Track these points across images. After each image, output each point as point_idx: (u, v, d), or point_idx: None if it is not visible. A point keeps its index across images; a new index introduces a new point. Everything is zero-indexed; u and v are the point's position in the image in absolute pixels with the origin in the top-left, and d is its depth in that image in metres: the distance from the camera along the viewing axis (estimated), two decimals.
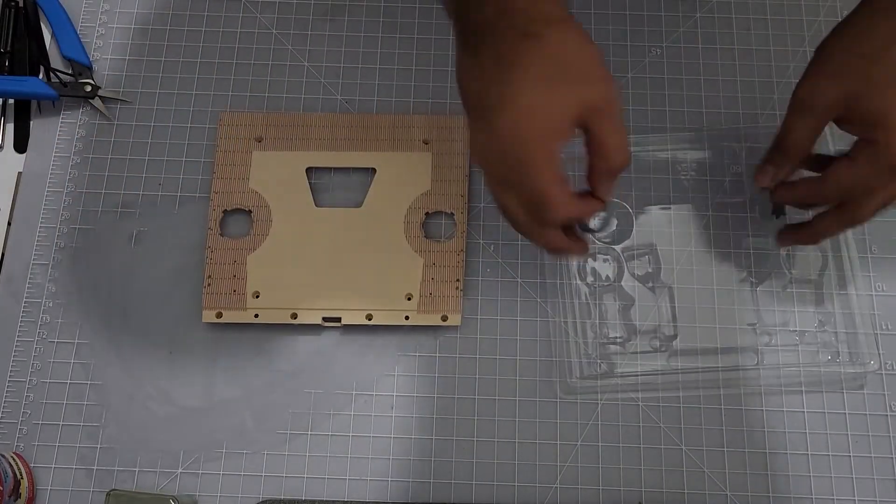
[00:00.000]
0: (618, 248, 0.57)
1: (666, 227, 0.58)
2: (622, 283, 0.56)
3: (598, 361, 0.54)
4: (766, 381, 0.55)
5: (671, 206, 0.58)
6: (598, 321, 0.56)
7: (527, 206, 0.44)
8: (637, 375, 0.54)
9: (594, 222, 0.57)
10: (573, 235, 0.48)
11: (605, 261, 0.57)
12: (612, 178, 0.45)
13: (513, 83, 0.41)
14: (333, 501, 0.53)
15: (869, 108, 0.45)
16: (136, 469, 0.54)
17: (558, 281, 0.56)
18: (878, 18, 0.45)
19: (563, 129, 0.42)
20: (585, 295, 0.56)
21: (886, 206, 0.47)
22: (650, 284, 0.56)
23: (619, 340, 0.55)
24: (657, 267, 0.57)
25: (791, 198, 0.52)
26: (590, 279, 0.57)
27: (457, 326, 0.56)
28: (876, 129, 0.45)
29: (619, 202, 0.58)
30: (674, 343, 0.55)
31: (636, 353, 0.55)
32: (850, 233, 0.56)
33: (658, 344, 0.55)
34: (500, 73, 0.42)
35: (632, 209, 0.58)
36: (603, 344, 0.55)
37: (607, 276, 0.57)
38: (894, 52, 0.44)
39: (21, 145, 0.61)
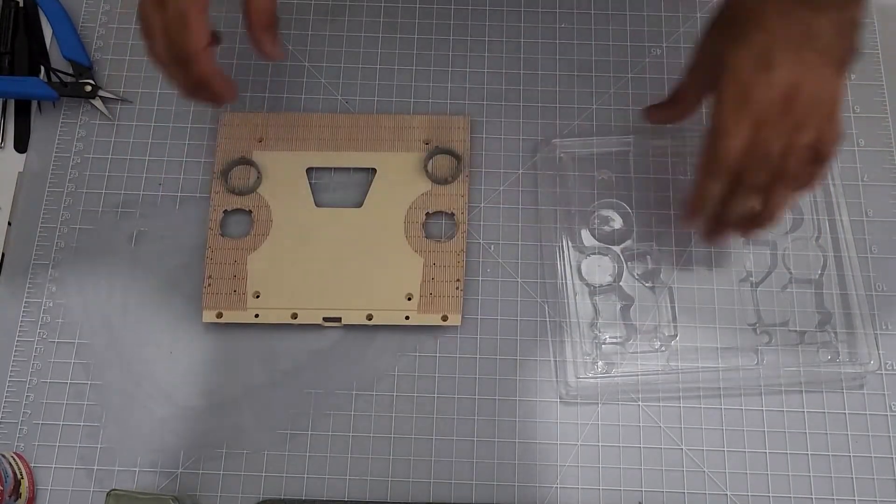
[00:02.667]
0: (618, 248, 0.57)
1: (666, 226, 0.58)
2: (622, 284, 0.56)
3: (598, 361, 0.54)
4: (767, 380, 0.55)
5: (671, 206, 0.58)
6: (597, 321, 0.56)
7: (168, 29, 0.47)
8: (637, 375, 0.54)
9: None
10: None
11: (603, 261, 0.57)
12: (270, 31, 0.48)
13: None
14: (333, 501, 0.53)
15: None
16: (136, 469, 0.54)
17: (558, 281, 0.56)
18: None
19: None
20: (586, 294, 0.56)
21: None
22: (650, 284, 0.56)
23: (618, 340, 0.55)
24: (657, 267, 0.57)
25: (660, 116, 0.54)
26: (589, 279, 0.56)
27: (457, 326, 0.56)
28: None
29: (619, 202, 0.58)
30: (673, 343, 0.55)
31: (636, 353, 0.55)
32: (850, 231, 0.57)
33: (658, 344, 0.55)
34: None
35: (632, 210, 0.58)
36: (602, 344, 0.55)
37: (608, 276, 0.57)
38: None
39: (21, 145, 0.61)
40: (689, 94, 0.52)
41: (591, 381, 0.54)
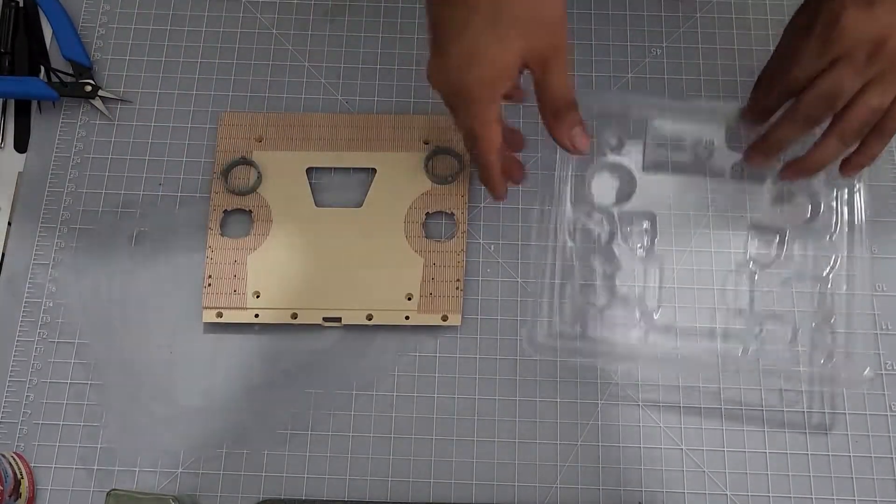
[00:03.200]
0: (615, 209, 0.56)
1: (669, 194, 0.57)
2: (613, 246, 0.55)
3: (576, 324, 0.54)
4: (766, 380, 0.55)
5: (682, 172, 0.57)
6: (578, 283, 0.54)
7: (464, 137, 0.49)
8: (611, 345, 0.54)
9: None
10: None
11: (596, 221, 0.56)
12: (558, 117, 0.48)
13: (469, 16, 0.44)
14: (333, 501, 0.53)
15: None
16: (136, 469, 0.54)
17: (545, 243, 0.55)
18: None
19: (505, 76, 0.45)
20: (571, 252, 0.55)
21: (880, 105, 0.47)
22: (642, 252, 0.56)
23: (597, 304, 0.54)
24: (653, 236, 0.56)
25: (779, 135, 0.53)
26: (577, 239, 0.55)
27: (457, 326, 0.56)
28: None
29: (621, 162, 0.57)
30: (654, 316, 0.54)
31: (615, 324, 0.54)
32: (850, 232, 0.57)
33: (638, 315, 0.55)
34: (454, 9, 0.45)
35: (637, 169, 0.57)
36: (580, 305, 0.54)
37: (598, 236, 0.56)
38: None
39: (21, 145, 0.61)
40: (774, 83, 0.51)
41: (563, 340, 0.53)
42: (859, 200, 0.56)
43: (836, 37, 0.46)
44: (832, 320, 0.55)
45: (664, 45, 0.63)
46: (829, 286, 0.56)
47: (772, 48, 0.62)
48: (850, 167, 0.52)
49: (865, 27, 0.45)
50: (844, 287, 0.56)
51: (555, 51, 0.45)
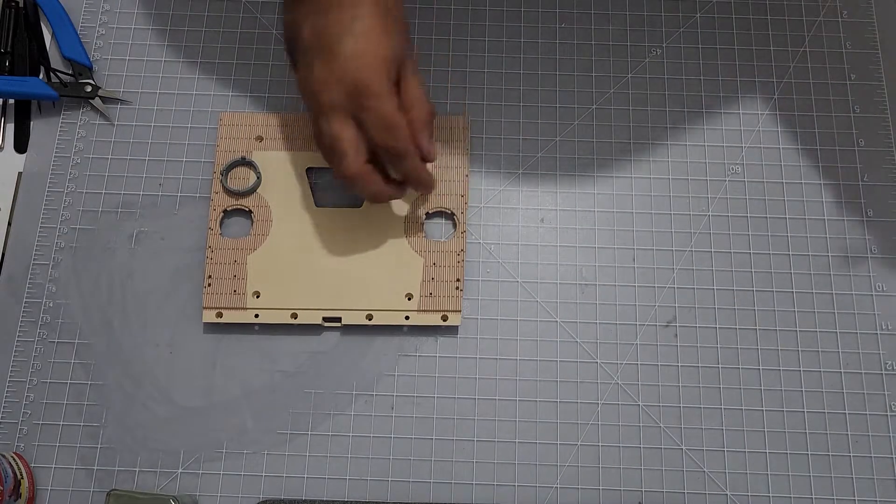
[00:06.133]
0: None
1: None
2: None
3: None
4: (766, 380, 0.55)
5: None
6: None
7: (376, 131, 0.48)
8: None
9: None
10: (393, 182, 0.52)
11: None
12: (420, 127, 0.49)
13: (356, 17, 0.47)
14: (333, 501, 0.53)
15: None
16: (136, 469, 0.54)
17: None
18: None
19: (395, 66, 0.48)
20: None
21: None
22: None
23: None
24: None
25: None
26: None
27: (457, 326, 0.56)
28: None
29: None
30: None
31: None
32: (850, 229, 0.57)
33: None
34: (342, 10, 0.47)
35: None
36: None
37: None
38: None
39: (21, 145, 0.61)
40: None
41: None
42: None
43: None
44: (832, 320, 0.55)
45: (664, 45, 0.63)
46: (824, 287, 0.56)
47: (771, 48, 0.63)
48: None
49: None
50: (839, 286, 0.56)
51: (408, 56, 0.49)
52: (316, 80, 0.48)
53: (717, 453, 0.54)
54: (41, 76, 0.62)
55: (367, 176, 0.50)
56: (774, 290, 0.57)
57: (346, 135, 0.48)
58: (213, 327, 0.56)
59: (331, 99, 0.48)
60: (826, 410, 0.54)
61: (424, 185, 0.53)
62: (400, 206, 0.58)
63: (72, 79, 0.62)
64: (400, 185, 0.52)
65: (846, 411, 0.54)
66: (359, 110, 0.48)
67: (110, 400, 0.55)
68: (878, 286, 0.57)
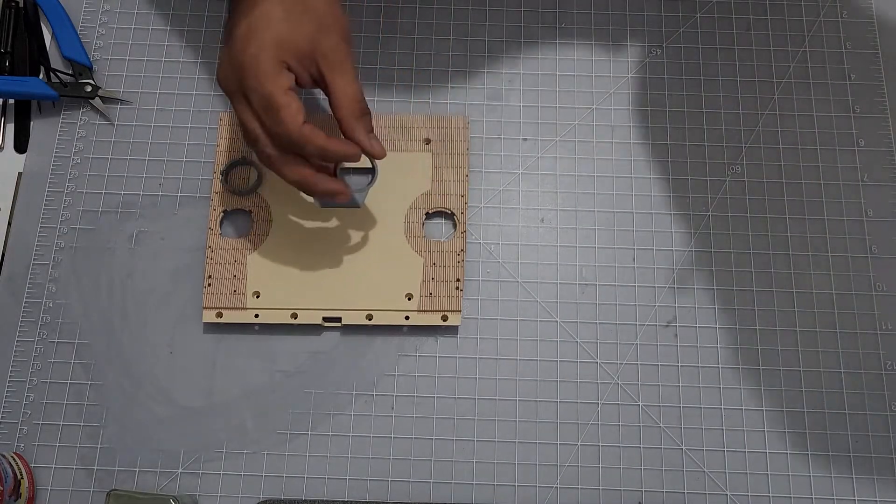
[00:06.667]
0: None
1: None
2: None
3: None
4: (766, 380, 0.55)
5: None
6: None
7: (261, 114, 0.47)
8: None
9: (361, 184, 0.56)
10: (333, 179, 0.50)
11: None
12: (351, 125, 0.48)
13: (258, 3, 0.47)
14: (333, 501, 0.53)
15: None
16: (136, 469, 0.54)
17: None
18: None
19: (291, 50, 0.47)
20: None
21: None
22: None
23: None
24: None
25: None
26: None
27: (457, 326, 0.56)
28: None
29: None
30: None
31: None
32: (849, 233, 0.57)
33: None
34: (248, 4, 0.47)
35: None
36: None
37: None
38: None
39: (21, 145, 0.61)
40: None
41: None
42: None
43: None
44: (832, 320, 0.56)
45: (664, 45, 0.63)
46: (824, 287, 0.56)
47: (771, 48, 0.63)
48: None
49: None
50: (838, 286, 0.56)
51: (336, 52, 0.48)
52: (218, 68, 0.49)
53: (717, 453, 0.54)
54: (41, 76, 0.62)
55: (286, 162, 0.48)
56: (774, 290, 0.57)
57: (246, 117, 0.48)
58: (213, 327, 0.56)
59: (228, 84, 0.48)
60: (826, 410, 0.54)
61: (343, 157, 0.49)
62: (400, 206, 0.58)
63: (72, 79, 0.62)
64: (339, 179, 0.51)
65: (846, 411, 0.54)
66: (246, 91, 0.47)
67: (110, 400, 0.55)
68: (878, 286, 0.57)
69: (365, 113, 0.49)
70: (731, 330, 0.56)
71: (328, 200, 0.51)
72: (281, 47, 0.47)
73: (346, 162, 0.49)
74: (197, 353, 0.56)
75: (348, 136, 0.48)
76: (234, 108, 0.48)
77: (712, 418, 0.54)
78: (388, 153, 0.58)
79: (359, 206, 0.58)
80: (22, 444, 0.54)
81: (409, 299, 0.56)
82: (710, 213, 0.58)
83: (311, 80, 0.49)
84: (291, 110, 0.46)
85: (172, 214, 0.59)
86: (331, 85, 0.48)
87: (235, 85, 0.47)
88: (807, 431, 0.54)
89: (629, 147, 0.60)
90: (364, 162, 0.59)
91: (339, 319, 0.56)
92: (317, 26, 0.47)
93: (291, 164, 0.48)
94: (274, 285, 0.56)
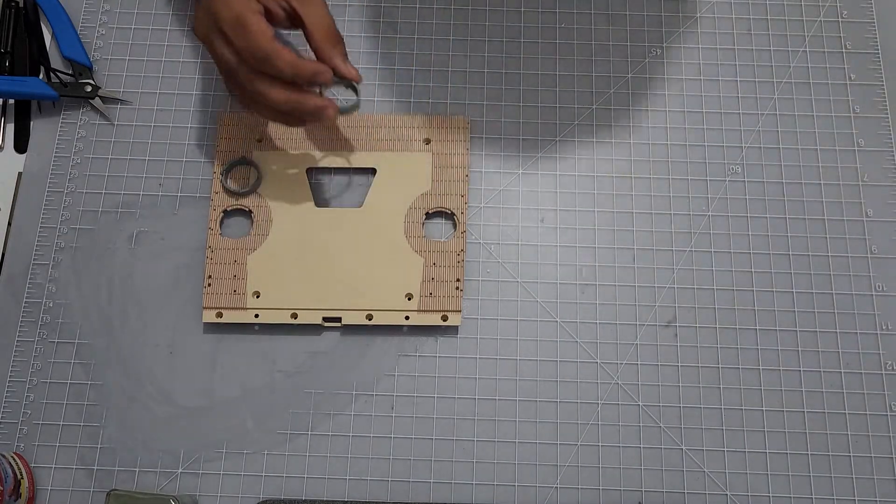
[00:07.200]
0: None
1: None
2: None
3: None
4: (766, 380, 0.55)
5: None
6: None
7: (233, 38, 0.49)
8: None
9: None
10: (320, 96, 0.51)
11: None
12: (327, 51, 0.50)
13: None
14: (333, 501, 0.53)
15: None
16: (136, 469, 0.54)
17: None
18: None
19: None
20: None
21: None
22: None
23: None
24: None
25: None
26: None
27: (457, 327, 0.56)
28: None
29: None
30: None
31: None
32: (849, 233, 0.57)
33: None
34: None
35: None
36: None
37: None
38: None
39: (21, 145, 0.61)
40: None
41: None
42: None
43: None
44: (832, 320, 0.56)
45: (664, 45, 0.63)
46: (823, 287, 0.56)
47: (771, 48, 0.63)
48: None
49: None
50: (837, 286, 0.56)
51: None
52: (195, 20, 0.51)
53: (717, 453, 0.53)
54: (41, 76, 0.62)
55: (270, 86, 0.50)
56: (774, 290, 0.57)
57: (222, 51, 0.49)
58: (213, 327, 0.56)
59: (202, 29, 0.50)
60: (826, 410, 0.54)
61: (318, 77, 0.50)
62: (400, 206, 0.58)
63: (72, 79, 0.62)
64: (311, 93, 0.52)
65: (846, 411, 0.54)
66: (219, 23, 0.49)
67: (110, 400, 0.55)
68: (878, 286, 0.57)
69: (339, 41, 0.51)
70: (731, 330, 0.56)
71: (314, 121, 0.54)
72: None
73: (318, 82, 0.50)
74: (197, 353, 0.56)
75: (324, 62, 0.50)
76: (211, 53, 0.50)
77: (712, 418, 0.54)
78: (388, 153, 0.59)
79: (359, 207, 0.58)
80: (22, 444, 0.54)
81: (409, 299, 0.56)
82: (710, 213, 0.58)
83: (284, 14, 0.50)
84: (262, 26, 0.48)
85: (172, 214, 0.59)
86: (304, 17, 0.50)
87: (209, 25, 0.49)
88: (807, 431, 0.54)
89: (629, 147, 0.60)
90: (365, 161, 0.59)
91: (339, 319, 0.56)
92: None
93: (276, 88, 0.50)
94: (274, 285, 0.56)
